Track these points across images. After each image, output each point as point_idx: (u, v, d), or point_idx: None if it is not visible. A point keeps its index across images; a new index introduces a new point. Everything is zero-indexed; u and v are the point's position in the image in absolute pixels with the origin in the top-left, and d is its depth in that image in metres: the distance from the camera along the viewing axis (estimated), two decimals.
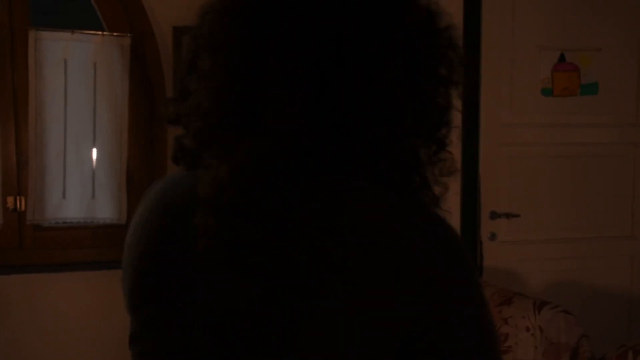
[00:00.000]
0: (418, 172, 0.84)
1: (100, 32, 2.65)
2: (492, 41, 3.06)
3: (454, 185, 3.22)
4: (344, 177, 0.77)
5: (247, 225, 0.72)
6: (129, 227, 0.94)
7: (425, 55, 0.82)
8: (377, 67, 0.77)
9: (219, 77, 0.78)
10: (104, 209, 2.68)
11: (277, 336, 0.72)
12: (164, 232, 0.86)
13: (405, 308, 0.71)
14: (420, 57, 0.81)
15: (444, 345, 0.72)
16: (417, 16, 0.81)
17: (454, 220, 3.06)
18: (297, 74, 0.74)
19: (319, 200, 0.75)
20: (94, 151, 2.67)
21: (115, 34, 2.66)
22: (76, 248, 2.70)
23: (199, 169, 0.82)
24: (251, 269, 0.73)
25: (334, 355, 0.71)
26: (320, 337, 0.71)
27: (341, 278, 0.70)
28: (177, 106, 0.89)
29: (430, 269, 0.74)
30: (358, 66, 0.76)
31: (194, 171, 0.85)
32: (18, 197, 2.64)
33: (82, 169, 2.66)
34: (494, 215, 3.11)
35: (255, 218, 0.72)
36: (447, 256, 0.77)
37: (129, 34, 2.66)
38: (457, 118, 3.22)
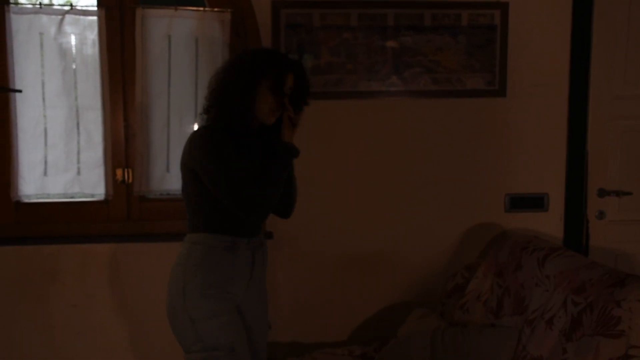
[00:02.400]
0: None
1: (202, 8, 2.70)
2: (605, 3, 2.86)
3: (559, 161, 3.09)
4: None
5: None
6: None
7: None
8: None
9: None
10: None
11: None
12: None
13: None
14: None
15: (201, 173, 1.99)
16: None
17: (558, 196, 2.93)
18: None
19: None
20: (196, 126, 2.74)
21: (216, 9, 2.70)
22: (178, 219, 2.80)
23: None
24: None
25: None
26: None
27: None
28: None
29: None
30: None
31: None
32: (126, 170, 2.76)
33: (184, 143, 2.73)
34: (602, 193, 2.94)
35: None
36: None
37: (229, 10, 2.69)
38: (564, 89, 3.09)
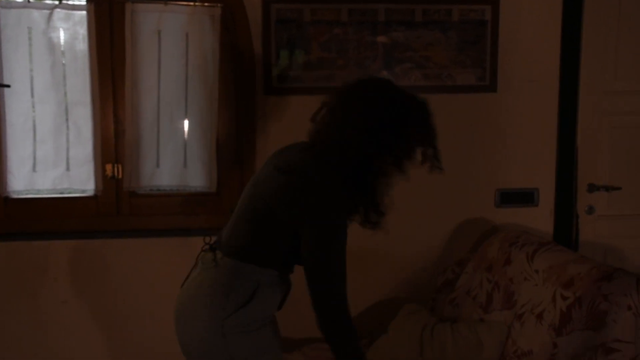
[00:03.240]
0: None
1: (192, 3, 2.69)
2: None
3: (549, 156, 3.09)
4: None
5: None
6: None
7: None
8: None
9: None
10: (195, 177, 2.75)
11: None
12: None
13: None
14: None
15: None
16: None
17: (548, 191, 2.94)
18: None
19: None
20: (186, 122, 2.74)
21: (206, 4, 2.69)
22: (168, 215, 2.80)
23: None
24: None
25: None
26: None
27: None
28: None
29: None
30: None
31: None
32: (116, 165, 2.75)
33: (174, 138, 2.73)
34: (592, 188, 2.95)
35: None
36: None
37: (219, 5, 2.68)
38: (554, 84, 3.08)
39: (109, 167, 2.75)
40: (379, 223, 1.86)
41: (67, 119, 2.69)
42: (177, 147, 2.74)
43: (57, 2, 2.64)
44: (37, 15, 2.63)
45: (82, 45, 2.68)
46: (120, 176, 2.75)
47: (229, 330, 1.74)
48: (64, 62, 2.68)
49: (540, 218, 2.97)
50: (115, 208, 2.79)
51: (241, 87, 2.78)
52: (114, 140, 2.75)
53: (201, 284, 1.83)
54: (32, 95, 2.65)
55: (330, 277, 1.74)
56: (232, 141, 2.80)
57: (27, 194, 2.74)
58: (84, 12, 2.64)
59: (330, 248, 1.73)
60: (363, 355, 1.82)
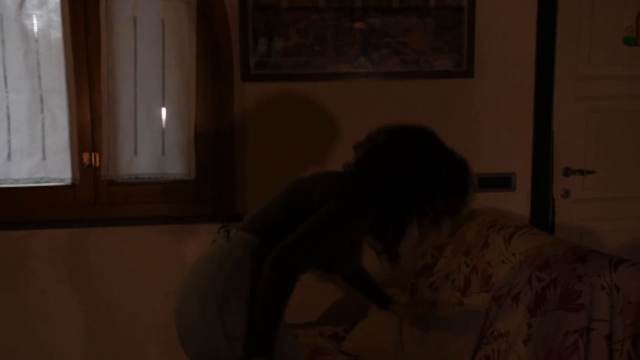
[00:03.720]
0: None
1: None
2: None
3: (525, 141, 3.14)
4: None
5: None
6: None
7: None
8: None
9: None
10: (174, 165, 2.74)
11: None
12: None
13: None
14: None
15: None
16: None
17: (524, 175, 2.98)
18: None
19: None
20: (163, 109, 2.72)
21: None
22: (147, 203, 2.78)
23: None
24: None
25: None
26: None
27: None
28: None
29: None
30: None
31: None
32: (93, 154, 2.73)
33: (152, 126, 2.72)
34: (567, 172, 2.99)
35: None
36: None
37: None
38: (530, 70, 3.12)
39: (86, 155, 2.72)
40: (397, 259, 1.95)
41: (42, 107, 2.66)
42: (155, 134, 2.73)
43: None
44: (9, 2, 2.59)
45: (56, 32, 2.64)
46: (97, 165, 2.73)
47: (227, 304, 1.69)
48: (37, 49, 2.64)
49: (517, 202, 3.00)
50: (93, 197, 2.76)
51: (219, 74, 2.76)
52: (91, 128, 2.73)
53: (211, 258, 1.80)
54: (6, 84, 2.61)
55: (305, 242, 1.69)
56: (210, 129, 2.79)
57: (2, 183, 2.71)
58: None
59: (328, 225, 1.74)
60: (268, 336, 1.67)
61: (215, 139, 2.79)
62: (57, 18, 2.62)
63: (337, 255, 1.87)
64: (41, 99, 2.65)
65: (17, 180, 2.72)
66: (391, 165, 1.85)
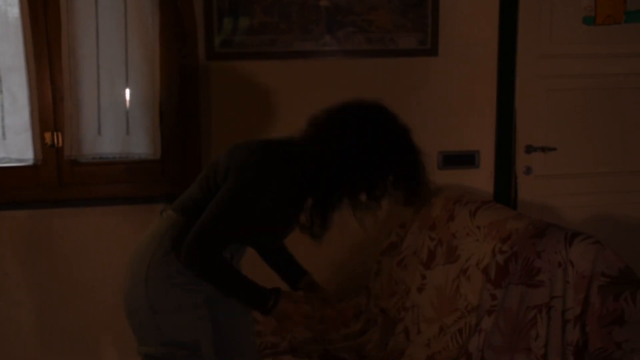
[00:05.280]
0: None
1: None
2: None
3: (489, 119, 3.18)
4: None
5: None
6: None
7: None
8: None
9: None
10: (139, 144, 2.71)
11: None
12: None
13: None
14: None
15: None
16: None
17: (488, 153, 3.03)
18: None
19: None
20: (127, 88, 2.68)
21: None
22: (113, 183, 2.75)
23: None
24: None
25: None
26: None
27: None
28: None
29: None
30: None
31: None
32: (55, 133, 2.68)
33: (116, 105, 2.68)
34: (529, 149, 3.05)
35: None
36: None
37: None
38: (493, 48, 3.15)
39: (47, 135, 2.67)
40: (320, 236, 1.79)
41: (0, 87, 2.60)
42: (118, 114, 2.69)
43: None
44: None
45: (14, 10, 2.57)
46: (60, 145, 2.68)
47: (152, 275, 1.73)
48: None
49: (481, 179, 3.06)
50: (57, 177, 2.72)
51: (183, 52, 2.73)
52: (53, 107, 2.67)
53: (144, 237, 1.84)
54: None
55: (208, 229, 1.66)
56: (175, 108, 2.76)
57: None
58: None
59: (224, 205, 1.68)
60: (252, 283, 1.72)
61: (180, 118, 2.77)
62: None
63: (272, 234, 1.85)
64: None
65: None
66: (322, 139, 1.74)
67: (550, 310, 1.99)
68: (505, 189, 3.06)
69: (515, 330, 2.06)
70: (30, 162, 2.67)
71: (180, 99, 2.75)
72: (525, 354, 2.01)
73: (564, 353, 1.91)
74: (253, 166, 1.71)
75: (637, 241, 3.10)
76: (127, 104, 2.70)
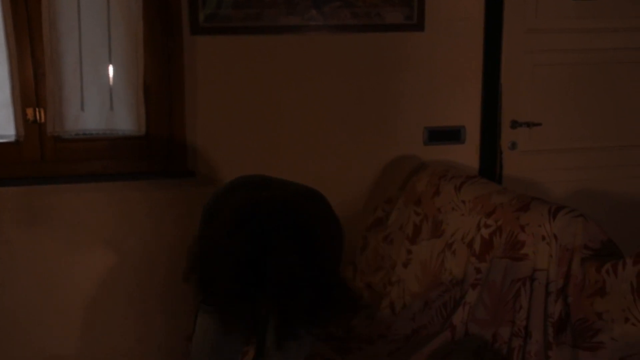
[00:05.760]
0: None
1: None
2: None
3: (475, 94, 3.19)
4: None
5: None
6: None
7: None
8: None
9: None
10: (123, 120, 2.68)
11: None
12: None
13: None
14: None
15: None
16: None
17: (474, 128, 3.04)
18: None
19: None
20: (110, 64, 2.65)
21: None
22: (97, 159, 2.73)
23: None
24: None
25: None
26: None
27: None
28: None
29: None
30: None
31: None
32: (37, 109, 2.65)
33: (99, 81, 2.64)
34: (515, 124, 3.06)
35: None
36: None
37: None
38: (479, 23, 3.15)
39: (29, 111, 2.63)
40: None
41: None
42: (102, 90, 2.66)
43: None
44: None
45: None
46: (43, 121, 2.65)
47: None
48: None
49: (466, 154, 3.06)
50: (40, 154, 2.69)
51: (167, 27, 2.69)
52: (34, 83, 2.63)
53: None
54: None
55: None
56: (160, 83, 2.74)
57: None
58: None
59: None
60: None
61: (165, 93, 2.74)
62: None
63: None
64: None
65: None
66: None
67: (533, 282, 2.01)
68: (490, 164, 3.08)
69: (499, 303, 2.09)
70: (12, 139, 2.63)
71: (165, 75, 2.72)
72: (508, 326, 2.04)
73: (545, 324, 1.94)
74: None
75: (620, 215, 3.13)
76: (111, 80, 2.66)
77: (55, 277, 2.76)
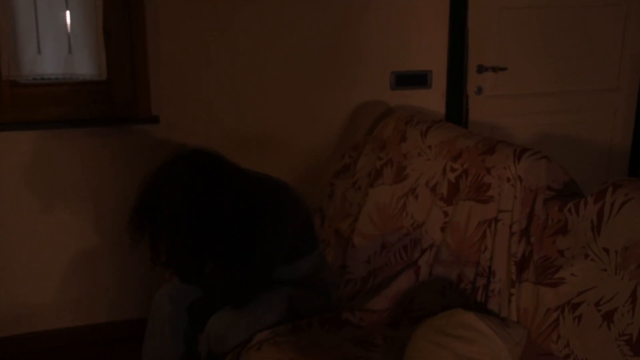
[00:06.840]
0: None
1: None
2: None
3: (441, 38, 3.16)
4: None
5: None
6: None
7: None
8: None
9: None
10: (83, 65, 2.60)
11: None
12: None
13: None
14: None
15: None
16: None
17: (440, 73, 3.03)
18: None
19: None
20: (68, 9, 2.54)
21: None
22: (56, 105, 2.65)
23: None
24: None
25: None
26: None
27: None
28: None
29: None
30: None
31: None
32: None
33: (55, 23, 2.54)
34: (481, 69, 3.06)
35: None
36: None
37: None
38: None
39: None
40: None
41: None
42: (59, 33, 2.57)
43: None
44: None
45: None
46: None
47: None
48: None
49: (433, 99, 3.07)
50: None
51: None
52: None
53: None
54: None
55: None
56: (121, 26, 2.64)
57: None
58: None
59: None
60: None
61: (127, 36, 2.66)
62: None
63: None
64: None
65: None
66: None
67: (497, 223, 2.05)
68: (456, 109, 3.09)
69: (464, 244, 2.12)
70: None
71: (126, 17, 2.63)
72: (473, 266, 2.08)
73: (508, 263, 1.98)
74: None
75: (583, 157, 3.20)
76: (68, 24, 2.57)
77: (9, 226, 2.70)
